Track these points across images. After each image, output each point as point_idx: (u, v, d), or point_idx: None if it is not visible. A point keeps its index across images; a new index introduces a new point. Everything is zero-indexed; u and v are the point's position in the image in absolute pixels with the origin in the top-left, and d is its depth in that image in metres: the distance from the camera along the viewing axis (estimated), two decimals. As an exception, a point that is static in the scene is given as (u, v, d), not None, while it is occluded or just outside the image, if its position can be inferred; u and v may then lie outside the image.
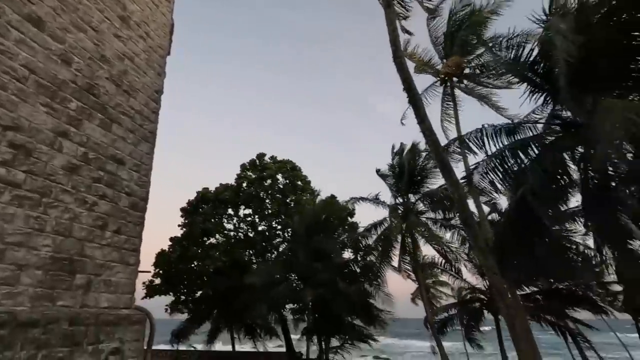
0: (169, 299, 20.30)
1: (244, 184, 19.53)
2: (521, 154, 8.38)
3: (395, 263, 21.34)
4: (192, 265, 19.01)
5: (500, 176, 8.20)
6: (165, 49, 9.19)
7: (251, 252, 19.21)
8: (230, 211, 20.17)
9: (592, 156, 6.63)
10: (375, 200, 21.94)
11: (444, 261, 20.90)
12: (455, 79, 16.28)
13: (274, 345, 22.06)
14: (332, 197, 19.36)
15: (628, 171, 8.67)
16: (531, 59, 9.85)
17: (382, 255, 21.03)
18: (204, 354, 21.44)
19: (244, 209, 19.95)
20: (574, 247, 16.99)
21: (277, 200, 18.99)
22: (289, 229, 18.65)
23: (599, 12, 8.37)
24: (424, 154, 20.31)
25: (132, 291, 7.24)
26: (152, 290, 19.86)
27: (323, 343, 16.08)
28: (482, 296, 20.17)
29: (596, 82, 8.96)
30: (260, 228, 19.68)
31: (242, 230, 19.98)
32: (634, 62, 8.85)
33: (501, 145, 9.34)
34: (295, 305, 17.80)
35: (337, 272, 14.50)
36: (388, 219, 19.40)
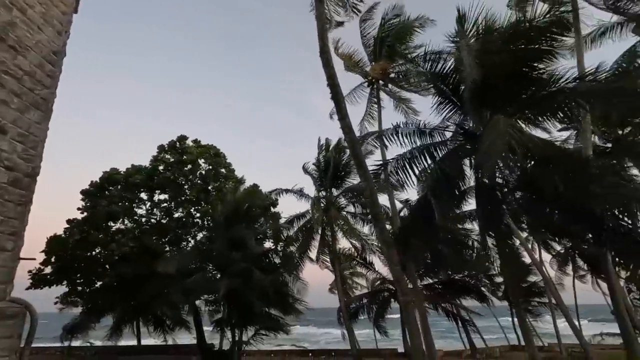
0: (62, 289, 17.99)
1: (161, 167, 18.08)
2: (427, 156, 9.22)
3: (315, 255, 22.00)
4: (94, 252, 17.06)
5: (408, 174, 8.94)
6: (70, 5, 8.06)
7: (164, 239, 17.95)
8: (143, 195, 18.55)
9: (477, 163, 7.55)
10: (300, 192, 22.24)
11: (359, 253, 22.14)
12: (381, 82, 17.17)
13: (189, 338, 21.14)
14: (255, 186, 19.04)
15: (515, 180, 10.10)
16: (444, 72, 10.86)
17: (302, 246, 21.51)
18: (103, 350, 19.61)
19: (160, 194, 18.51)
20: (471, 244, 19.43)
21: (197, 187, 18.00)
22: (209, 217, 17.87)
23: (499, 41, 9.52)
24: (348, 150, 21.07)
25: (8, 281, 6.31)
26: (40, 280, 17.41)
27: (237, 334, 15.87)
28: (391, 286, 21.85)
29: (495, 100, 10.22)
30: (177, 215, 18.51)
31: (155, 217, 18.56)
32: (526, 88, 10.28)
33: (414, 146, 10.15)
34: (211, 296, 17.26)
35: (255, 262, 14.40)
36: (310, 211, 19.81)
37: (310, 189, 22.23)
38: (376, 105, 17.13)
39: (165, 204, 18.47)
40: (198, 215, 18.40)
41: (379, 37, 16.43)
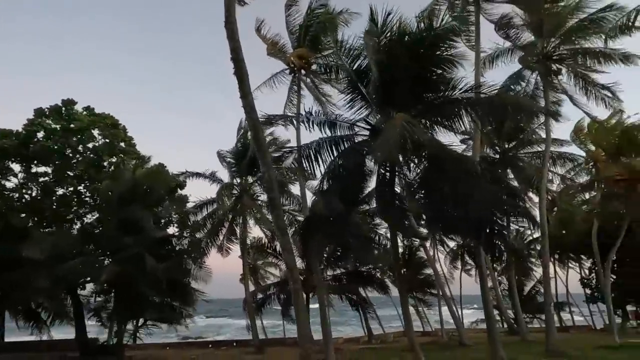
0: None
1: (40, 134, 15.19)
2: (333, 148, 9.29)
3: (226, 242, 21.11)
4: None
5: (312, 164, 8.91)
6: None
7: (38, 219, 15.29)
8: (15, 166, 15.46)
9: (374, 157, 7.79)
10: (211, 177, 21.09)
11: (270, 243, 21.87)
12: (303, 72, 16.97)
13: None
14: (161, 166, 17.43)
15: (414, 178, 10.74)
16: (360, 68, 11.06)
17: (209, 234, 20.48)
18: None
19: (38, 166, 15.61)
20: (377, 237, 20.50)
21: (86, 161, 15.66)
22: (100, 197, 15.69)
23: (407, 44, 9.96)
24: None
25: None
26: None
27: (124, 326, 14.36)
28: (300, 276, 22.08)
29: (400, 100, 10.71)
30: (61, 192, 15.89)
31: (29, 192, 15.70)
32: (428, 92, 10.98)
33: (324, 136, 10.14)
34: (97, 285, 15.34)
35: (151, 248, 13.14)
36: (218, 197, 18.89)
37: (225, 175, 21.18)
38: (298, 94, 16.92)
39: (44, 178, 15.72)
40: (88, 193, 16.10)
41: (304, 26, 16.20)
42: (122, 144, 17.09)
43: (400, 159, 9.93)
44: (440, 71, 10.40)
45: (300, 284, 6.98)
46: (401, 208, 10.38)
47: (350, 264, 21.81)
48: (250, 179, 21.36)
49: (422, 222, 13.66)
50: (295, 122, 9.87)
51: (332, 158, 9.09)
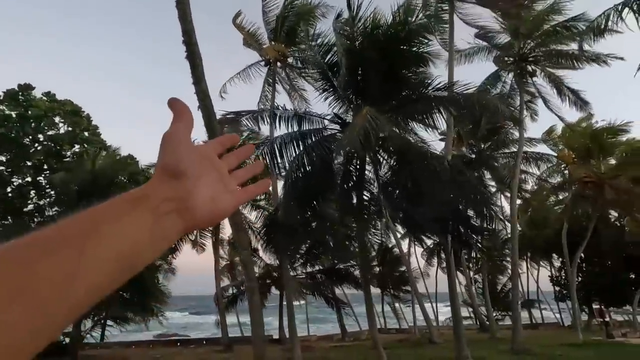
0: None
1: (-9, 119, 14.14)
2: (300, 143, 9.00)
3: (199, 238, 20.61)
4: None
5: (276, 159, 8.61)
6: None
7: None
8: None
9: (336, 151, 7.55)
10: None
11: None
12: (279, 64, 16.58)
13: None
14: (130, 157, 16.66)
15: (385, 175, 10.56)
16: (334, 61, 10.80)
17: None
18: None
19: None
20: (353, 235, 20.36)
21: (46, 150, 14.75)
22: (59, 188, 14.83)
23: (380, 39, 9.76)
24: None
25: None
26: None
27: (80, 324, 13.65)
28: (275, 273, 21.73)
29: (373, 95, 10.52)
30: (16, 182, 14.91)
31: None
32: (401, 88, 10.82)
33: (292, 130, 9.84)
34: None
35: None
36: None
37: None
38: (272, 88, 16.52)
39: (-1, 167, 14.72)
40: (46, 184, 15.20)
41: (281, 17, 15.78)
42: (86, 134, 16.24)
43: (370, 154, 9.76)
44: (413, 67, 10.28)
45: (255, 282, 6.68)
46: (364, 204, 10.22)
47: (327, 261, 21.70)
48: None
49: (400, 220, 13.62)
50: (267, 117, 9.52)
51: (297, 152, 8.80)
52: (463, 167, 10.91)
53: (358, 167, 9.84)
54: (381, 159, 9.80)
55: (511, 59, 18.76)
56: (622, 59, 17.41)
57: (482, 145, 23.48)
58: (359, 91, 10.44)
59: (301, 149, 9.15)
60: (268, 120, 9.24)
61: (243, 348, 18.11)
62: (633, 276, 25.84)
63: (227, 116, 7.94)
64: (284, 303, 22.19)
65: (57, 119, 15.21)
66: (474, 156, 23.81)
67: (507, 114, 17.83)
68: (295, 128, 9.99)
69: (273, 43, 16.25)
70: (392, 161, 9.28)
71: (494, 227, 22.00)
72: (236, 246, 21.78)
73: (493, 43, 18.96)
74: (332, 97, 10.82)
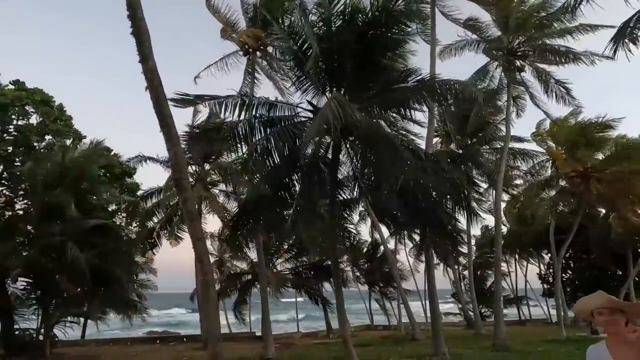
0: None
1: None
2: (267, 129, 8.60)
3: (177, 232, 20.11)
4: None
5: (242, 144, 8.24)
6: None
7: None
8: None
9: (305, 140, 7.14)
10: (167, 163, 19.96)
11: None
12: (258, 54, 16.10)
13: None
14: (107, 150, 16.11)
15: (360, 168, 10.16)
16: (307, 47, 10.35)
17: (163, 223, 19.48)
18: None
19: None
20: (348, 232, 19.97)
21: (14, 140, 14.15)
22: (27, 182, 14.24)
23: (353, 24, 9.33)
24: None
25: None
26: None
27: (51, 321, 13.13)
28: (255, 269, 21.35)
29: (348, 82, 10.12)
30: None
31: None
32: (378, 76, 10.41)
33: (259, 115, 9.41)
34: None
35: (83, 237, 12.03)
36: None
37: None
38: (258, 78, 16.07)
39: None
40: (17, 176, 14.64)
41: (260, 4, 15.30)
42: (60, 124, 15.66)
43: (344, 143, 9.37)
44: (392, 54, 9.88)
45: (211, 276, 6.29)
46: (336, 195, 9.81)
47: (315, 256, 21.34)
48: (207, 167, 20.42)
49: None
50: (233, 104, 9.04)
51: (261, 137, 8.37)
52: (441, 160, 10.52)
53: (330, 156, 9.45)
54: (351, 148, 9.39)
55: (500, 52, 18.46)
56: (611, 58, 17.20)
57: (469, 141, 23.25)
58: (335, 78, 10.03)
59: (265, 134, 8.70)
60: (233, 108, 8.78)
61: (224, 345, 17.73)
62: (619, 272, 25.85)
63: (184, 97, 7.47)
64: (286, 299, 21.89)
65: (28, 109, 14.66)
66: (461, 151, 23.63)
67: (485, 101, 17.57)
68: (266, 113, 9.58)
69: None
70: (361, 150, 8.87)
71: (476, 222, 21.75)
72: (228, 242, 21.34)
73: (482, 36, 18.66)
74: (306, 84, 10.42)
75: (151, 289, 26.86)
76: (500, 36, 18.15)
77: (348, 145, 9.46)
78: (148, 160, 19.06)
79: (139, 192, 19.43)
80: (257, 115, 9.12)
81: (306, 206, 9.06)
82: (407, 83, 9.91)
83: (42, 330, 12.83)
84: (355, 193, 11.38)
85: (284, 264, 22.33)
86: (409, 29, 9.98)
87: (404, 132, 11.65)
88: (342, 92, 10.14)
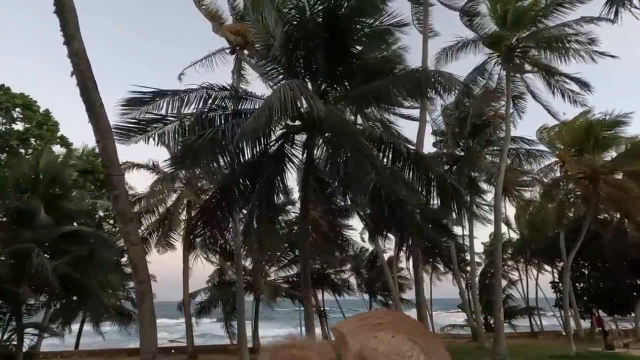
0: None
1: None
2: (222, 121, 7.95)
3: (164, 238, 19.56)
4: None
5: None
6: None
7: None
8: None
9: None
10: (154, 168, 19.52)
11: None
12: (246, 52, 15.58)
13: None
14: (93, 156, 15.67)
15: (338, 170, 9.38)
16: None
17: (152, 229, 19.00)
18: None
19: None
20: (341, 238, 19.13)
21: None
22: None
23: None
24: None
25: None
26: None
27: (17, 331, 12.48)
28: (249, 278, 20.57)
29: (323, 73, 9.42)
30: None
31: None
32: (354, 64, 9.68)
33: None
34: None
35: (55, 244, 11.54)
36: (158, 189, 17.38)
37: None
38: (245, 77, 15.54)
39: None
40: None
41: None
42: (47, 128, 15.37)
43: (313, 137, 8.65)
44: (370, 42, 9.17)
45: (149, 284, 5.59)
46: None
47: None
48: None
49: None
50: (197, 97, 8.42)
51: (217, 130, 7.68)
52: (427, 160, 9.65)
53: (303, 154, 8.74)
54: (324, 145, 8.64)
55: (499, 48, 17.57)
56: (614, 57, 16.21)
57: (471, 143, 22.28)
58: (310, 69, 9.36)
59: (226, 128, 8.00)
60: (198, 102, 8.16)
61: (205, 357, 17.02)
62: (638, 282, 24.20)
63: (138, 93, 6.89)
64: (288, 309, 21.06)
65: (15, 114, 14.37)
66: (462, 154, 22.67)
67: (483, 100, 16.64)
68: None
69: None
70: (328, 147, 8.13)
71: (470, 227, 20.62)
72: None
73: (479, 32, 17.82)
74: (280, 77, 9.78)
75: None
76: (498, 32, 17.31)
77: (320, 142, 8.73)
78: (135, 168, 18.67)
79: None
80: (222, 106, 8.48)
81: (262, 210, 8.33)
82: (388, 75, 9.21)
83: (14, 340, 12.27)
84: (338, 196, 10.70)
85: (278, 272, 21.51)
86: (391, 18, 9.22)
87: (384, 128, 10.87)
88: (319, 84, 9.53)
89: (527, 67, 18.14)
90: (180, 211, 19.00)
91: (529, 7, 16.09)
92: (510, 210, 28.99)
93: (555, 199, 23.56)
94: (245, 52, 15.50)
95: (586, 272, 27.26)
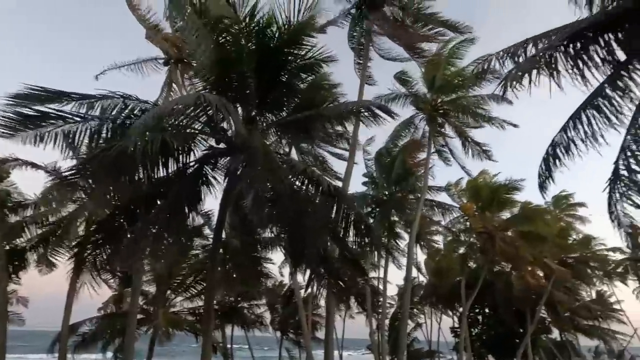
0: None
1: None
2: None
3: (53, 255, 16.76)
4: None
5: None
6: None
7: None
8: None
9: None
10: (52, 171, 17.01)
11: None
12: (180, 65, 14.91)
13: None
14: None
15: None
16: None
17: (36, 243, 16.18)
18: None
19: None
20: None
21: None
22: None
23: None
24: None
25: None
26: None
27: None
28: (146, 307, 18.37)
29: (258, 102, 9.28)
30: None
31: None
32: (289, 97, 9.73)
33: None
34: None
35: None
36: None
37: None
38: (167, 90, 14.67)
39: None
40: None
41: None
42: None
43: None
44: (304, 75, 9.33)
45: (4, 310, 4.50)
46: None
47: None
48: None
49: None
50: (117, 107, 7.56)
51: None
52: (349, 199, 9.82)
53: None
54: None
55: (423, 107, 19.43)
56: (515, 125, 19.12)
57: (394, 188, 23.72)
58: (240, 94, 9.13)
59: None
60: (112, 110, 7.34)
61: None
62: (522, 330, 27.09)
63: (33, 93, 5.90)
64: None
65: None
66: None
67: (408, 150, 18.00)
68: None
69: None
70: (249, 171, 7.86)
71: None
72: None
73: (409, 90, 19.61)
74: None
75: (17, 323, 22.16)
76: (425, 93, 19.30)
77: (243, 168, 8.38)
78: (27, 167, 16.08)
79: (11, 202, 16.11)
80: (136, 115, 7.73)
81: (172, 233, 7.63)
82: (318, 108, 9.38)
83: None
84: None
85: (185, 302, 19.60)
86: (328, 53, 9.50)
87: (316, 163, 10.98)
88: (249, 109, 9.33)
89: (448, 126, 20.32)
90: (77, 225, 16.63)
91: (453, 77, 18.29)
92: (421, 256, 31.05)
93: (459, 249, 25.90)
94: (179, 66, 14.85)
95: (481, 318, 29.80)
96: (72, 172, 7.64)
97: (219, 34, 7.94)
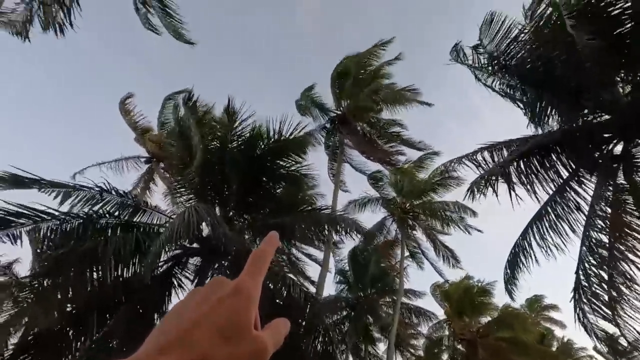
0: None
1: None
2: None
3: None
4: None
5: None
6: None
7: None
8: None
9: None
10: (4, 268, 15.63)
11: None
12: (161, 164, 15.41)
13: None
14: None
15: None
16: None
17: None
18: None
19: None
20: None
21: None
22: None
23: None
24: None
25: None
26: None
27: None
28: (69, 329, 15.05)
29: (238, 204, 9.51)
30: None
31: None
32: (268, 201, 10.05)
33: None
34: None
35: None
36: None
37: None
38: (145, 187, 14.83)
39: None
40: None
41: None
42: None
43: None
44: (275, 181, 9.82)
45: None
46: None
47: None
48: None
49: None
50: (86, 198, 7.55)
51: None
52: (317, 306, 9.48)
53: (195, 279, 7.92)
54: (218, 271, 8.08)
55: (395, 211, 20.33)
56: (480, 231, 20.14)
57: (369, 291, 23.00)
58: (221, 196, 9.43)
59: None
60: (84, 201, 7.32)
61: None
62: None
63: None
64: None
65: None
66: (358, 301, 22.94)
67: (368, 238, 18.14)
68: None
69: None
70: (228, 272, 7.62)
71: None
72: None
73: (381, 193, 20.72)
74: (188, 196, 9.58)
75: None
76: (395, 197, 20.41)
77: (216, 267, 8.16)
78: None
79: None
80: (114, 214, 7.69)
81: (129, 342, 6.89)
82: (296, 213, 9.66)
83: None
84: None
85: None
86: (306, 163, 10.21)
87: (290, 264, 10.83)
88: (227, 210, 9.50)
89: (419, 230, 20.99)
90: (12, 332, 14.54)
91: (421, 183, 19.68)
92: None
93: (441, 356, 24.06)
94: (161, 164, 15.34)
95: None
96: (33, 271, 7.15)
97: (210, 140, 8.54)
